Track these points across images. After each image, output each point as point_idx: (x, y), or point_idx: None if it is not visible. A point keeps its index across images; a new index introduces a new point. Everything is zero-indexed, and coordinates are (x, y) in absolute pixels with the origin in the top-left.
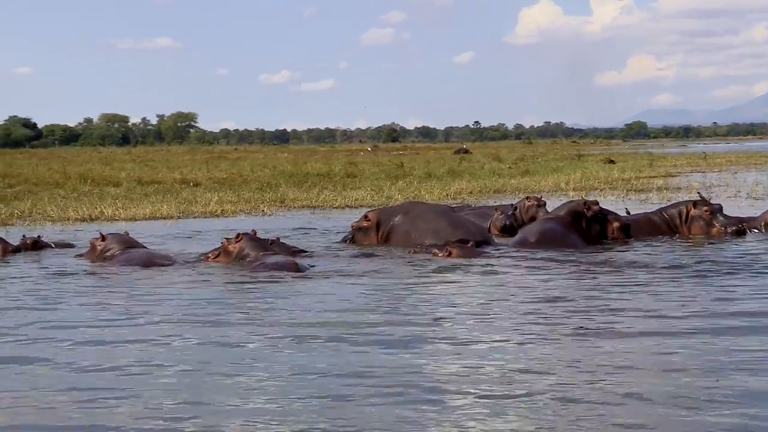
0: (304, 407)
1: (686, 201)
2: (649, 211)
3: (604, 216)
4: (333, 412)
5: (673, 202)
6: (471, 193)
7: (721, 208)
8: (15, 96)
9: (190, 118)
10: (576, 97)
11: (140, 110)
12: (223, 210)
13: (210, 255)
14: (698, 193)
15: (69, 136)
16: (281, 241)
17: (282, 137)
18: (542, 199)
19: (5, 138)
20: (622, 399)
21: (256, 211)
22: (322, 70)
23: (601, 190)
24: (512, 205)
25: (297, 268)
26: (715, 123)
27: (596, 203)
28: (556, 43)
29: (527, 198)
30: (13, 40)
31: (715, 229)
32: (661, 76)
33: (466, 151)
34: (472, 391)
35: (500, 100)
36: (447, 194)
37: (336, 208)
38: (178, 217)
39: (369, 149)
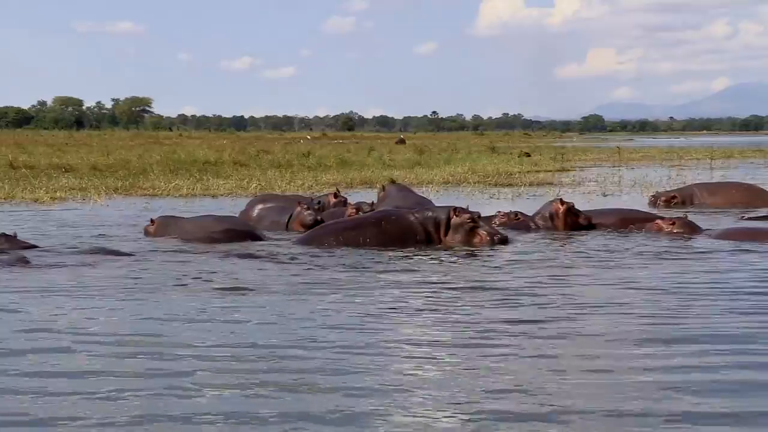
0: None
1: (446, 206)
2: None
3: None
4: None
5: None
6: (336, 183)
7: (479, 215)
8: None
9: (144, 102)
10: (536, 89)
11: (98, 94)
12: (51, 198)
13: None
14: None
15: (21, 119)
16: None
17: (240, 124)
18: (343, 196)
19: None
20: None
21: (87, 200)
22: (284, 57)
23: (465, 185)
24: (312, 199)
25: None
26: (671, 118)
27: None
28: (518, 35)
29: (328, 194)
30: None
31: (478, 238)
32: (621, 69)
33: (403, 142)
34: None
35: (460, 91)
36: (308, 185)
37: (183, 196)
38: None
39: (308, 138)
